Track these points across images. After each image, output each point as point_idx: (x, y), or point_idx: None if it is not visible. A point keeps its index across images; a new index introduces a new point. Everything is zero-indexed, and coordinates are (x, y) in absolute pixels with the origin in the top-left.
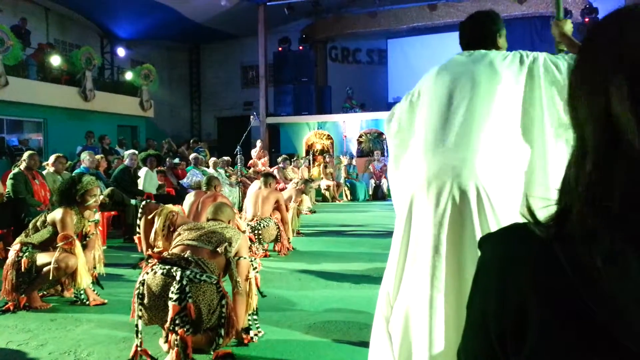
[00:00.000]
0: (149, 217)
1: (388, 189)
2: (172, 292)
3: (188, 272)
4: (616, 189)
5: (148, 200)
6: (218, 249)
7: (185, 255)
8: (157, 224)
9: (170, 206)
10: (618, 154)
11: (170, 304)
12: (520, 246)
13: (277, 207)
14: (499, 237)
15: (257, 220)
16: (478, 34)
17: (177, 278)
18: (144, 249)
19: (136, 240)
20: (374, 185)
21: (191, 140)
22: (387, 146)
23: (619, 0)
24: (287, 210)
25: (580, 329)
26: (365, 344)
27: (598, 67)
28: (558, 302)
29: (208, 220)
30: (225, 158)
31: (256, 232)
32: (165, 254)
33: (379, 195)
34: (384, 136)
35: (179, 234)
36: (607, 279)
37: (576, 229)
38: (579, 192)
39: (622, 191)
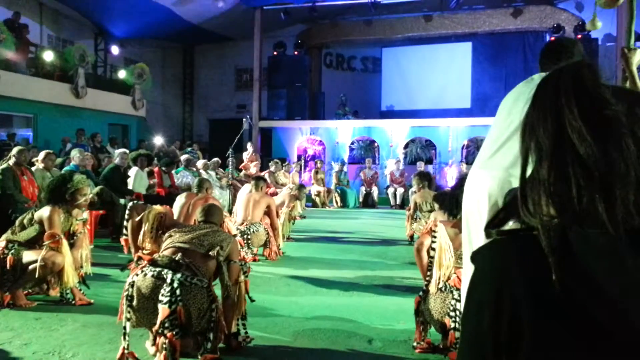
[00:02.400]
0: (136, 219)
1: (378, 197)
2: (163, 295)
3: (179, 275)
4: (573, 183)
5: (135, 202)
6: (210, 253)
7: (177, 258)
8: (146, 226)
9: (157, 207)
10: (569, 157)
11: (161, 306)
12: (511, 256)
13: (267, 212)
14: (490, 249)
15: (247, 224)
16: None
17: (168, 281)
18: (132, 251)
19: (122, 242)
20: (364, 192)
21: (187, 143)
22: (378, 154)
23: (611, 18)
24: (278, 216)
25: (572, 327)
26: (353, 353)
27: (557, 96)
28: (548, 304)
29: (198, 222)
30: (215, 159)
31: (245, 236)
32: (155, 256)
33: (369, 202)
34: (375, 144)
35: (170, 236)
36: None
37: (541, 224)
38: (543, 190)
39: (578, 185)
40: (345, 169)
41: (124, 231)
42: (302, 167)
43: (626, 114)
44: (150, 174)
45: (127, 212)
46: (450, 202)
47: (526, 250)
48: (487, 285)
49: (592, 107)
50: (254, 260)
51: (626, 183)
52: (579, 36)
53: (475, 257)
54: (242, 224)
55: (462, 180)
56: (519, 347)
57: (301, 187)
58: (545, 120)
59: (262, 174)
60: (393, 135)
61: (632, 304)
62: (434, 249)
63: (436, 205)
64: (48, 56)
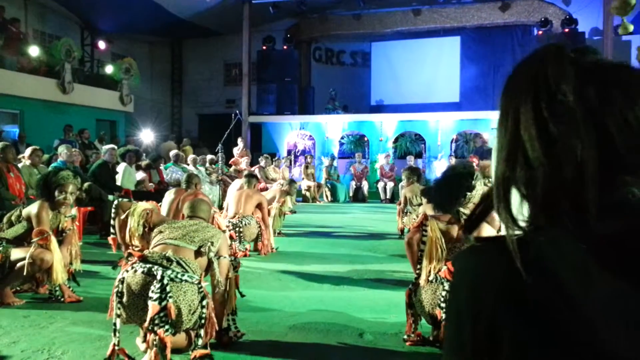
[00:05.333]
0: (122, 216)
1: (368, 191)
2: (153, 292)
3: (169, 272)
4: (520, 189)
5: (120, 199)
6: (202, 249)
7: (167, 255)
8: (132, 223)
9: (143, 204)
10: (519, 161)
11: (150, 303)
12: (489, 260)
13: (258, 207)
14: (469, 254)
15: (239, 217)
16: None
17: (158, 277)
18: (123, 248)
19: (110, 241)
20: (354, 187)
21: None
22: (368, 148)
23: (597, 12)
24: (269, 213)
25: (545, 332)
26: (344, 347)
27: (515, 96)
28: (521, 308)
29: (187, 217)
30: (210, 156)
31: (237, 229)
32: (145, 252)
33: (360, 197)
34: (365, 138)
35: (160, 232)
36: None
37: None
38: (502, 189)
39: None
40: (335, 163)
41: (112, 230)
42: (292, 162)
43: (597, 99)
44: (146, 169)
45: (112, 210)
46: (441, 196)
47: (501, 255)
48: (464, 291)
49: (548, 106)
50: (245, 255)
51: (576, 187)
52: (566, 30)
53: (455, 262)
54: (234, 217)
55: (446, 174)
56: (498, 350)
57: (292, 182)
58: (506, 122)
59: (252, 169)
60: (383, 129)
61: (597, 314)
62: (424, 242)
63: (424, 200)
64: (34, 51)
